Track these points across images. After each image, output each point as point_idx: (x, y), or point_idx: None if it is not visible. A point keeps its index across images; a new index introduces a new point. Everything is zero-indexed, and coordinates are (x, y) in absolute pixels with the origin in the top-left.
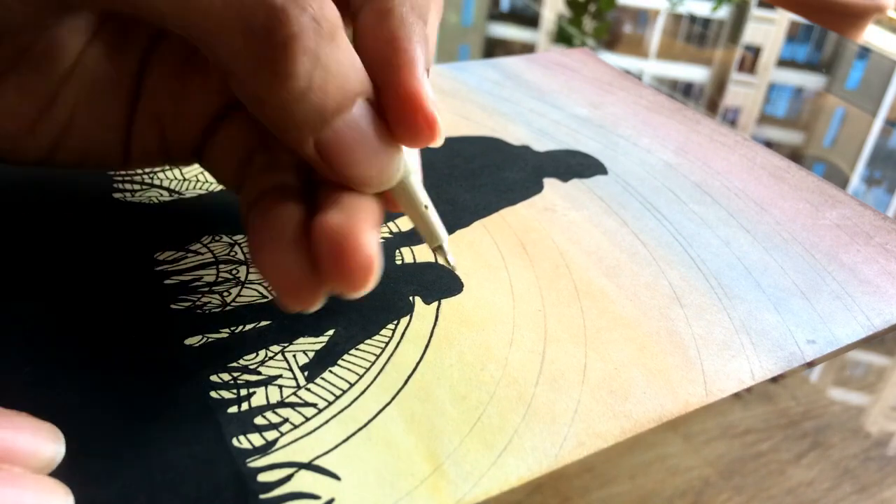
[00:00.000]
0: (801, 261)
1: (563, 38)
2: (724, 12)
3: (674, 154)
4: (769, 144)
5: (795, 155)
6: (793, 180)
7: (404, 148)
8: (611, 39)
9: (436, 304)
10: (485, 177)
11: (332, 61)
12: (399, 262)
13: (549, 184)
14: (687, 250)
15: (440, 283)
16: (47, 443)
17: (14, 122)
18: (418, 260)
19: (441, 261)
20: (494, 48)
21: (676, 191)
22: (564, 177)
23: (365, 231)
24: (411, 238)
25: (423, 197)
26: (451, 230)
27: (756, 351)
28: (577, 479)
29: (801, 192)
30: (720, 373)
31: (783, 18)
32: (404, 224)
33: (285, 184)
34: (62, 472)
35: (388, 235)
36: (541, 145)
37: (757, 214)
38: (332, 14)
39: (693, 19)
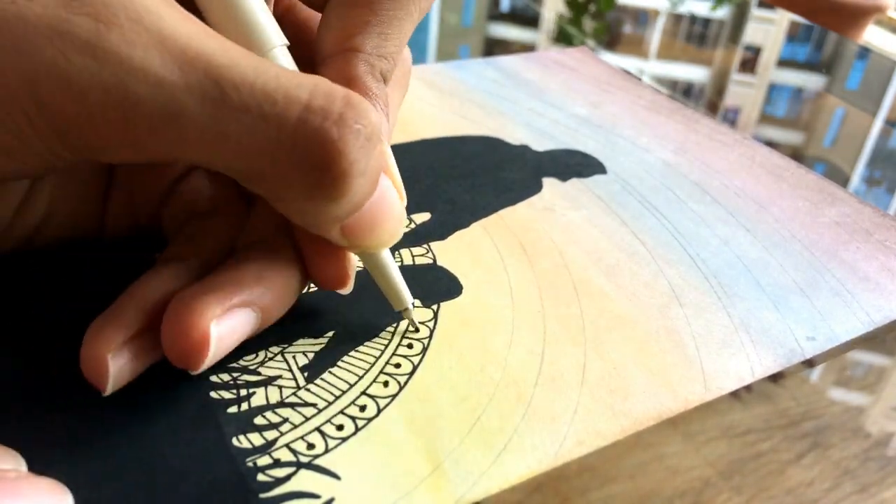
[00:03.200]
0: (801, 258)
1: (563, 38)
2: (724, 12)
3: (673, 153)
4: (769, 145)
5: (796, 155)
6: (792, 178)
7: None
8: (611, 40)
9: (435, 306)
10: (484, 176)
11: (375, 166)
12: (398, 265)
13: (549, 183)
14: (686, 249)
15: (439, 285)
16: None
17: None
18: (417, 262)
19: (406, 323)
20: (494, 48)
21: (675, 190)
22: (563, 176)
23: (208, 309)
24: (411, 239)
25: (390, 261)
26: (450, 231)
27: (756, 348)
28: (577, 478)
29: (801, 190)
30: (720, 371)
31: (783, 18)
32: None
33: (185, 257)
34: (62, 472)
35: None
36: (540, 145)
37: (756, 213)
38: (379, 121)
39: (693, 19)
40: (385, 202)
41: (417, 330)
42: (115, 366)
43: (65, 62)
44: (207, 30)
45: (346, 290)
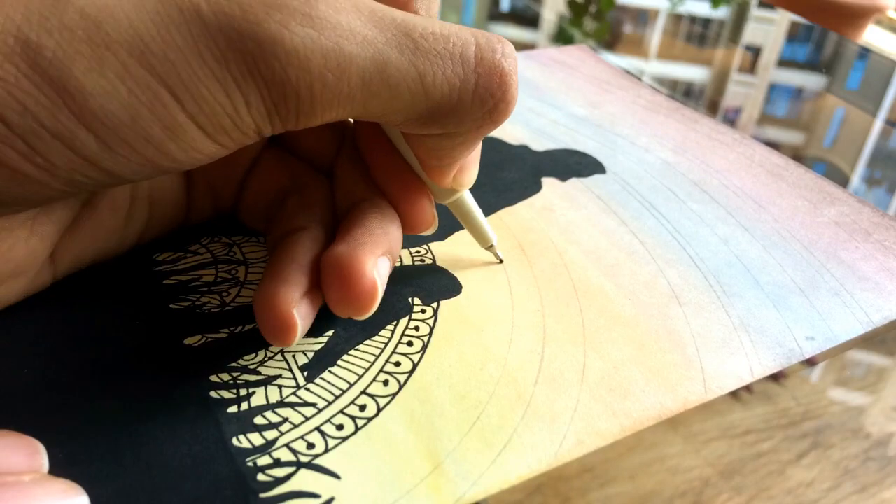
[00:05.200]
0: (800, 258)
1: (563, 38)
2: (724, 12)
3: (672, 152)
4: (770, 145)
5: (796, 155)
6: (791, 178)
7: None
8: (611, 40)
9: (434, 305)
10: (483, 177)
11: None
12: (398, 265)
13: (548, 183)
14: (685, 248)
15: (439, 284)
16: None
17: (106, 235)
18: (416, 263)
19: (493, 256)
20: None
21: (675, 189)
22: (563, 176)
23: (367, 260)
24: (410, 240)
25: (477, 209)
26: (449, 231)
27: (755, 348)
28: (577, 479)
29: (800, 189)
30: (719, 370)
31: (783, 18)
32: None
33: (308, 226)
34: (63, 472)
35: None
36: (539, 145)
37: (755, 212)
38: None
39: (693, 19)
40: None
41: (501, 261)
42: (301, 317)
43: (288, 34)
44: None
45: (433, 229)
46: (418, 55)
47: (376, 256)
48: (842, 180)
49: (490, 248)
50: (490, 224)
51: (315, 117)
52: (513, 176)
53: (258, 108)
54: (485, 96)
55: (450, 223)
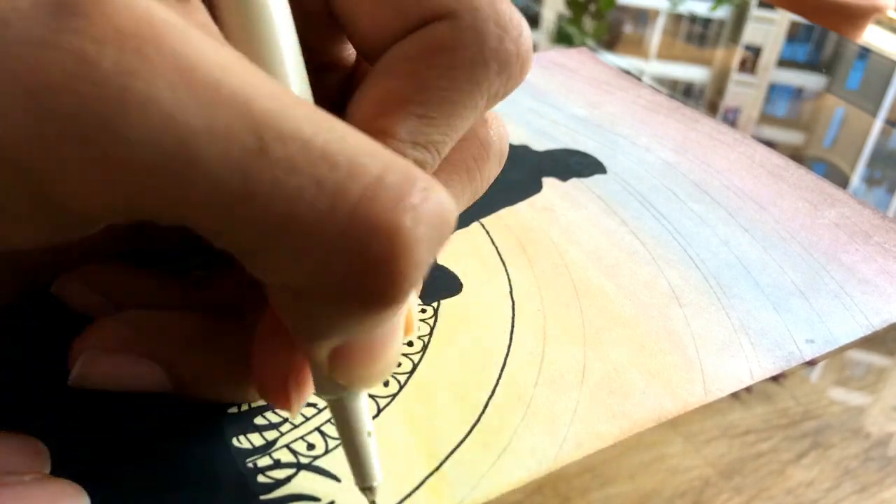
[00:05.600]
0: (800, 260)
1: (563, 38)
2: (724, 12)
3: (673, 153)
4: (769, 145)
5: (795, 155)
6: (792, 179)
7: None
8: (611, 39)
9: (435, 304)
10: None
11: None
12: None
13: (548, 183)
14: (686, 249)
15: (439, 283)
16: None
17: None
18: None
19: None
20: None
21: (675, 189)
22: (563, 176)
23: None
24: None
25: (368, 421)
26: None
27: (755, 350)
28: (577, 479)
29: (801, 190)
30: (719, 372)
31: (783, 18)
32: None
33: None
34: (64, 473)
35: None
36: (539, 145)
37: (756, 213)
38: (453, 223)
39: (693, 19)
40: (397, 329)
41: None
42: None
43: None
44: (247, 63)
45: (290, 413)
46: (258, 165)
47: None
48: (842, 180)
49: (367, 490)
50: (490, 223)
51: (86, 216)
52: (513, 176)
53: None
54: (354, 258)
55: None
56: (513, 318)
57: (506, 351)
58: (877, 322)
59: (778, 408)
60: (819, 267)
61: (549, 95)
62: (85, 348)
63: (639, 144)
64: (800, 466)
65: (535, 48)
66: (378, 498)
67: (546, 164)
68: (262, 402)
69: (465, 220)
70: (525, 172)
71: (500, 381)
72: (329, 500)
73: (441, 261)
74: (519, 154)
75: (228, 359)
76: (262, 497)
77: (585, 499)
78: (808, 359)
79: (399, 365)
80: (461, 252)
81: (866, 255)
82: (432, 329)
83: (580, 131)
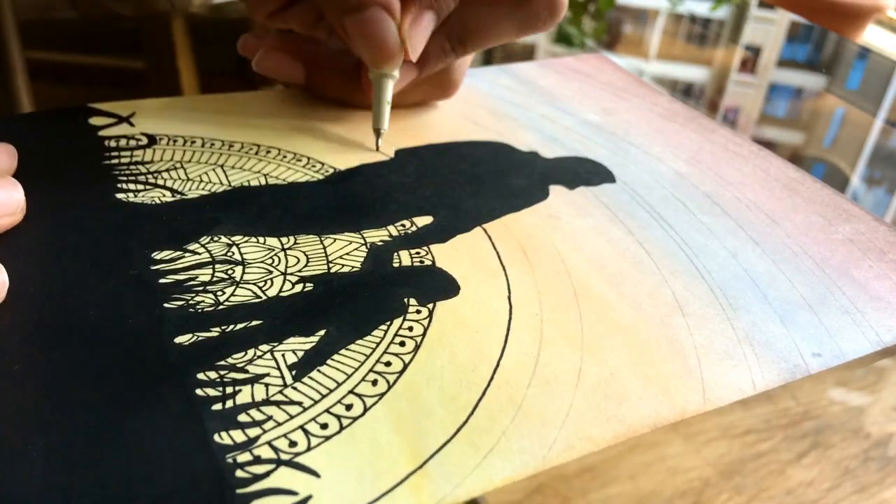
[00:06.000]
0: (811, 275)
1: (562, 38)
2: (724, 12)
3: (685, 163)
4: (769, 145)
5: (795, 155)
6: (807, 193)
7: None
8: (610, 39)
9: (430, 305)
10: (490, 182)
11: None
12: (396, 265)
13: (555, 191)
14: (692, 260)
15: (436, 285)
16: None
17: None
18: (415, 263)
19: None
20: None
21: (685, 201)
22: (571, 184)
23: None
24: (409, 241)
25: (389, 95)
26: (450, 234)
27: (759, 362)
28: (577, 479)
29: (815, 205)
30: (720, 381)
31: (783, 18)
32: (402, 227)
33: None
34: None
35: (386, 238)
36: (550, 152)
37: (767, 227)
38: None
39: (693, 19)
40: (376, 28)
41: (377, 149)
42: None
43: None
44: None
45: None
46: None
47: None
48: (841, 180)
49: (375, 130)
50: (493, 229)
51: None
52: (520, 182)
53: None
54: None
55: (451, 226)
56: (509, 321)
57: (500, 353)
58: (888, 339)
59: (778, 408)
60: (830, 282)
61: (563, 101)
62: (262, 45)
63: (651, 154)
64: (800, 466)
65: (535, 48)
66: (380, 145)
67: (555, 172)
68: (247, 400)
69: (467, 225)
70: (533, 179)
71: (492, 382)
72: (306, 494)
73: (440, 263)
74: (527, 161)
75: (346, 70)
76: (239, 491)
77: (585, 499)
78: (813, 372)
79: (389, 364)
80: (461, 255)
81: (880, 273)
82: (426, 330)
83: (592, 139)
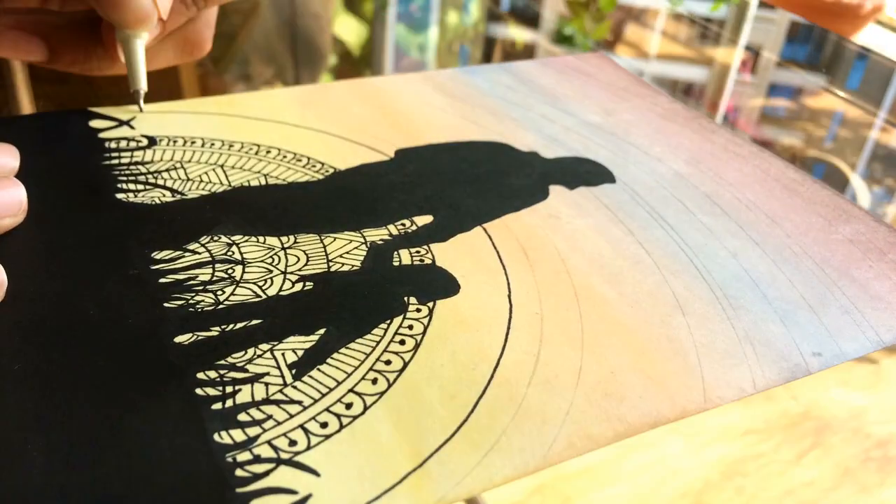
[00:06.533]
0: (811, 275)
1: (562, 38)
2: (723, 12)
3: (685, 164)
4: (769, 145)
5: (795, 155)
6: (807, 194)
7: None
8: (611, 39)
9: (430, 304)
10: (490, 182)
11: None
12: (396, 264)
13: (556, 191)
14: (693, 260)
15: (436, 284)
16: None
17: None
18: (415, 262)
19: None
20: (494, 48)
21: (686, 201)
22: (571, 184)
23: None
24: (409, 240)
25: (142, 54)
26: (451, 233)
27: (759, 361)
28: (578, 479)
29: (815, 205)
30: (720, 381)
31: (783, 18)
32: (402, 227)
33: None
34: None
35: (386, 237)
36: (550, 152)
37: (768, 227)
38: None
39: (693, 19)
40: None
41: (141, 111)
42: None
43: None
44: None
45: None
46: None
47: None
48: (841, 180)
49: (135, 92)
50: (493, 228)
51: None
52: (520, 182)
53: None
54: None
55: (452, 225)
56: (509, 320)
57: (500, 352)
58: (888, 338)
59: (778, 408)
60: (830, 282)
61: (563, 101)
62: None
63: (651, 154)
64: (800, 466)
65: (536, 49)
66: (142, 105)
67: (555, 172)
68: (247, 399)
69: (467, 225)
70: (533, 179)
71: (492, 380)
72: (306, 493)
73: (441, 262)
74: (527, 161)
75: (89, 38)
76: (238, 490)
77: (586, 499)
78: (814, 371)
79: (389, 363)
80: (461, 255)
81: (880, 273)
82: (426, 328)
83: (592, 139)
